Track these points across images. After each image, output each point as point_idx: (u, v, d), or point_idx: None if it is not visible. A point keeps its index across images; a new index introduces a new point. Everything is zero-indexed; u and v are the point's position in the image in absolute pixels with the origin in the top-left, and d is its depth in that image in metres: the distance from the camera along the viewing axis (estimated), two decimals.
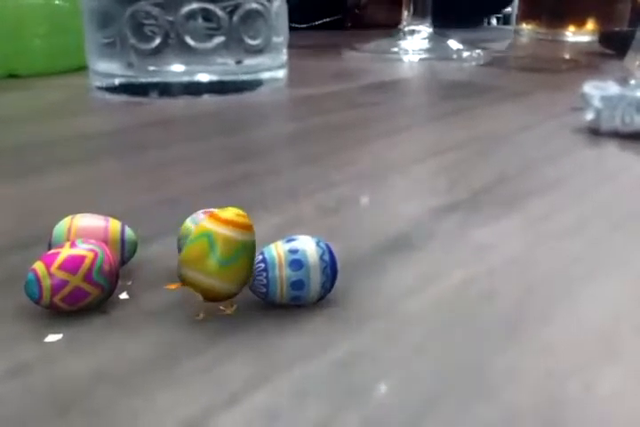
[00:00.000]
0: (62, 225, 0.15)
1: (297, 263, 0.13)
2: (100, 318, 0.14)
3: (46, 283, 0.13)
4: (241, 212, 0.13)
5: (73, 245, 0.14)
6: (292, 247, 0.14)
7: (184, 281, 0.13)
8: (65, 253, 0.13)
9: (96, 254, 0.13)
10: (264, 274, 0.13)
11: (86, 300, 0.13)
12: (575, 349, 0.13)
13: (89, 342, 0.13)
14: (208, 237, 0.13)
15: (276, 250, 0.14)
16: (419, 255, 0.17)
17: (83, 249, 0.13)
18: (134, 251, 0.16)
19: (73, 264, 0.13)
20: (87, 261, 0.13)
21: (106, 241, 0.15)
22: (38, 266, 0.13)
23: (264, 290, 0.14)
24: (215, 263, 0.13)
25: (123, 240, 0.15)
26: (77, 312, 0.14)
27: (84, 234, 0.15)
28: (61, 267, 0.13)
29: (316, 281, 0.14)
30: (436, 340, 0.13)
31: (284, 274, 0.13)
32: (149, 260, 0.16)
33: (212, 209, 0.16)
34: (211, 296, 0.13)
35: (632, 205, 0.20)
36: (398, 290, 0.15)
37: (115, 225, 0.16)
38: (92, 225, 0.15)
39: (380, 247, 0.17)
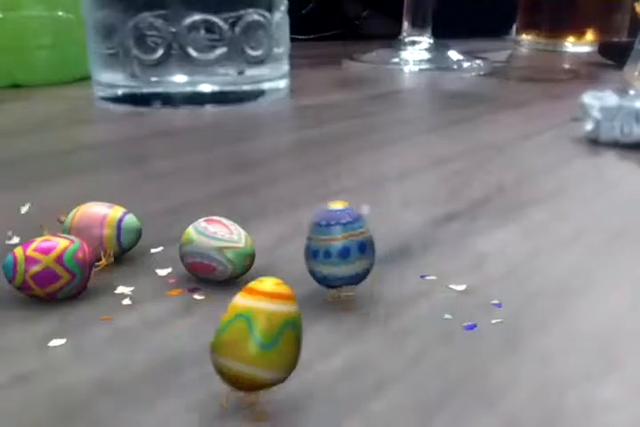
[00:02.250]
0: (72, 212, 0.17)
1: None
2: (102, 327, 0.14)
3: (21, 260, 0.14)
4: (279, 280, 0.11)
5: (56, 235, 0.15)
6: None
7: (219, 372, 0.11)
8: (42, 238, 0.15)
9: (71, 242, 0.15)
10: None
11: (57, 284, 0.14)
12: (573, 358, 0.13)
13: (91, 351, 0.13)
14: (244, 316, 0.11)
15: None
16: (418, 264, 0.17)
17: (61, 238, 0.15)
18: (135, 239, 0.17)
19: (46, 247, 0.14)
20: (60, 246, 0.14)
21: (102, 227, 0.16)
22: (17, 249, 0.14)
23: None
24: (255, 347, 0.10)
25: (119, 227, 0.16)
26: (80, 322, 0.14)
27: (82, 220, 0.16)
28: (36, 249, 0.14)
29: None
30: (436, 349, 0.13)
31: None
32: (152, 268, 0.16)
33: (213, 217, 0.16)
34: (248, 386, 0.11)
35: (631, 214, 0.21)
36: (398, 299, 0.15)
37: (115, 213, 0.16)
38: (92, 211, 0.16)
39: (379, 256, 0.17)
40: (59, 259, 0.14)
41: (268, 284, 0.11)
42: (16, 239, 0.18)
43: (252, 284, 0.11)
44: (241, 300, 0.11)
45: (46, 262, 0.14)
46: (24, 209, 0.18)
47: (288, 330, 0.11)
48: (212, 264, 0.15)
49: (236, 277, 0.16)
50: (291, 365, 0.11)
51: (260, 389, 0.11)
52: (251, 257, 0.15)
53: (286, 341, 0.11)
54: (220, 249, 0.15)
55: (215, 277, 0.15)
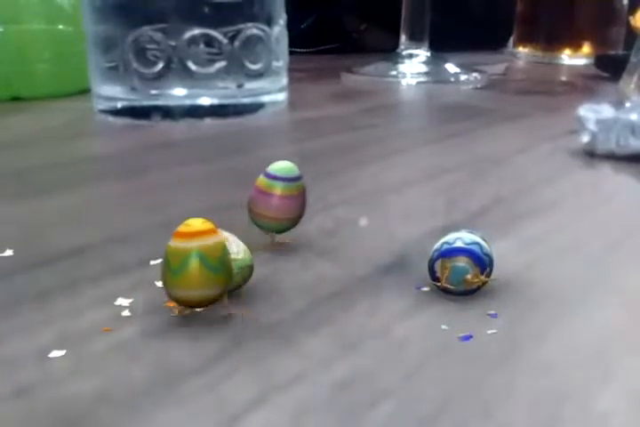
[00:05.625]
0: None
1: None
2: (101, 338, 0.14)
3: None
4: (194, 221, 0.14)
5: None
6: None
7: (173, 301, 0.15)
8: None
9: None
10: None
11: None
12: (571, 368, 0.13)
13: (91, 362, 0.13)
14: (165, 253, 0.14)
15: None
16: (416, 276, 0.17)
17: None
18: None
19: None
20: None
21: None
22: None
23: None
24: (170, 275, 0.14)
25: None
26: (80, 333, 0.14)
27: None
28: None
29: None
30: (433, 359, 0.13)
31: None
32: (151, 279, 0.17)
33: None
34: (189, 304, 0.14)
35: (627, 225, 0.21)
36: (396, 310, 0.15)
37: None
38: None
39: (377, 268, 0.17)
40: None
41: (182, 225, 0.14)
42: (10, 252, 0.18)
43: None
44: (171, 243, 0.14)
45: None
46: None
47: (191, 261, 0.14)
48: None
49: (235, 289, 0.16)
50: (204, 286, 0.14)
51: (195, 305, 0.14)
52: (249, 269, 0.16)
53: (191, 269, 0.14)
54: None
55: None
